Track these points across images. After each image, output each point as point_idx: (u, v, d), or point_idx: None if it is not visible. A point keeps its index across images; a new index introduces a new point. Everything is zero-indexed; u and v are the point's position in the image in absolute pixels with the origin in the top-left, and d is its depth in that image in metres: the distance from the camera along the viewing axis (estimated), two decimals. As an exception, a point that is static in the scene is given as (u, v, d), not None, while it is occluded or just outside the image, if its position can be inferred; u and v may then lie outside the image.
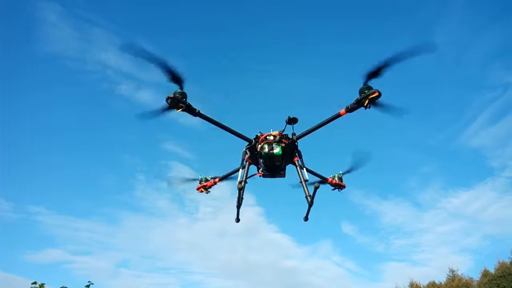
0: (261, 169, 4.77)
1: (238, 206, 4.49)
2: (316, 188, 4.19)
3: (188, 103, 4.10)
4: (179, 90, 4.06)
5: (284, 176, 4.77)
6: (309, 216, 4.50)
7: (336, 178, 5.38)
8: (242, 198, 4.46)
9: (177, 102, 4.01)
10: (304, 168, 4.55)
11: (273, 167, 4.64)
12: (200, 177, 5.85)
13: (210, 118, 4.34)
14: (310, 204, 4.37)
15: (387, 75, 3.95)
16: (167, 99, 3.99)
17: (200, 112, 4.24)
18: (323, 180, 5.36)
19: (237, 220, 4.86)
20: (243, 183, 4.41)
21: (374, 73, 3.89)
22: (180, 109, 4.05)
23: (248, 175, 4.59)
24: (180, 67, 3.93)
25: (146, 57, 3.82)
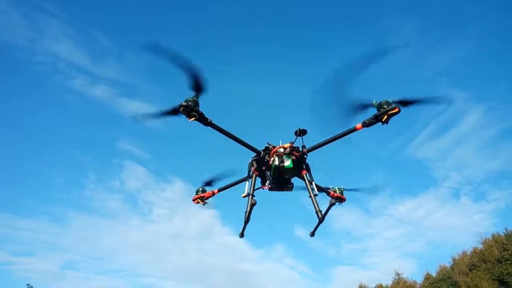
0: (267, 182, 4.58)
1: (247, 221, 4.25)
2: (331, 205, 4.08)
3: (201, 112, 3.86)
4: (191, 98, 3.81)
5: (291, 190, 4.61)
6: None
7: (337, 191, 5.32)
8: (251, 213, 4.23)
9: (190, 111, 3.75)
10: (313, 182, 4.43)
11: (282, 180, 4.48)
12: (198, 187, 5.53)
13: (221, 128, 4.11)
14: (321, 221, 4.25)
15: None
16: (179, 107, 3.74)
17: (212, 122, 3.99)
18: (325, 193, 5.27)
19: (242, 235, 4.63)
20: (251, 196, 4.21)
21: (406, 103, 3.93)
22: (193, 118, 3.78)
23: (255, 188, 4.40)
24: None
25: (171, 59, 3.54)
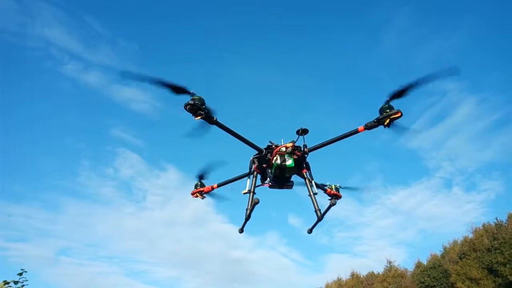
0: (268, 179, 4.62)
1: (248, 218, 4.32)
2: (331, 205, 4.13)
3: (207, 111, 3.83)
4: (197, 96, 3.77)
5: (291, 187, 4.66)
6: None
7: (334, 189, 5.37)
8: (252, 211, 4.29)
9: (197, 109, 3.73)
10: (313, 181, 4.48)
11: (282, 178, 4.52)
12: (197, 181, 5.56)
13: (226, 127, 4.11)
14: (320, 219, 4.30)
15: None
16: (185, 106, 3.72)
17: (217, 120, 3.98)
18: (322, 190, 5.32)
19: (241, 231, 4.70)
20: (252, 194, 4.29)
21: (399, 94, 3.90)
22: (199, 117, 3.77)
23: (256, 185, 4.45)
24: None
25: (145, 81, 3.69)
